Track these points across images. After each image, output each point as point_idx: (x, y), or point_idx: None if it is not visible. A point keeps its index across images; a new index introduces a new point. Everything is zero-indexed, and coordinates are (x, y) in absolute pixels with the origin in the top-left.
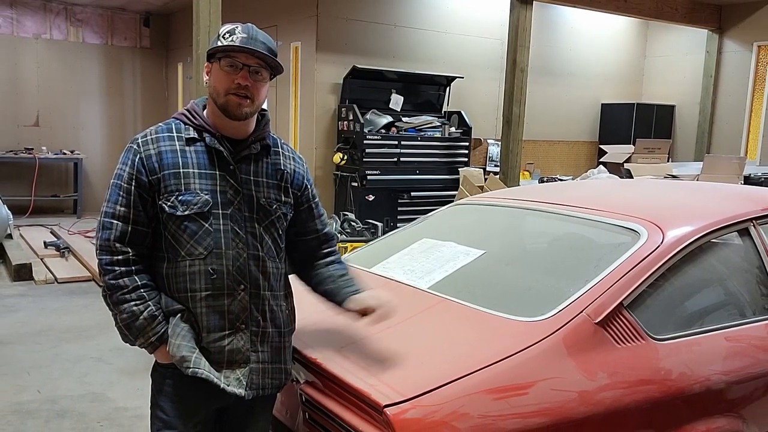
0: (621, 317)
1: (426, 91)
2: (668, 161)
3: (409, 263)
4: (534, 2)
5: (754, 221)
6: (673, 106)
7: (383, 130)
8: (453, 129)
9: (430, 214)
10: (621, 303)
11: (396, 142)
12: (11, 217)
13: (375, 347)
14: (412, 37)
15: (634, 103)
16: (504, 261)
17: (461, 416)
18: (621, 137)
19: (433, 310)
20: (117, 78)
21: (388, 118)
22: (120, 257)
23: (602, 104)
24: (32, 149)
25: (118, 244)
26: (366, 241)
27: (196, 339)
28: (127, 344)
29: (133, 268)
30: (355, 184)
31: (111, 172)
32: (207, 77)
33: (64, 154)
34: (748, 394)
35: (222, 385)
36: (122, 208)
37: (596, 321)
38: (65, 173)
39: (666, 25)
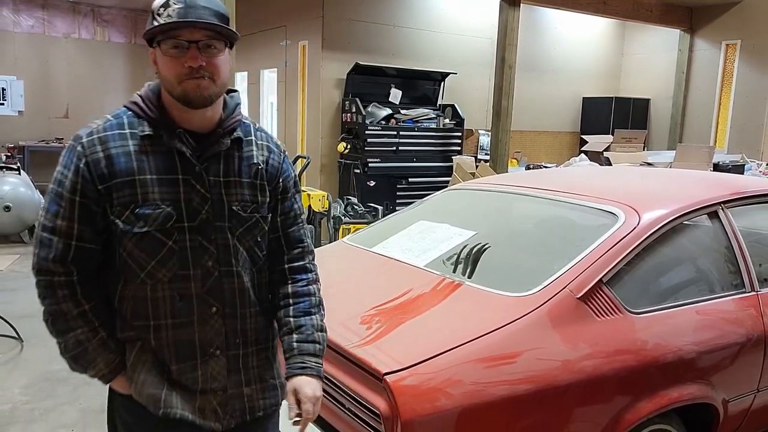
0: (601, 292)
1: (422, 85)
2: (644, 150)
3: (407, 243)
4: (521, 4)
5: (722, 205)
6: (648, 100)
7: (383, 122)
8: (447, 120)
9: (426, 198)
10: (601, 279)
11: (395, 133)
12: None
13: (375, 320)
14: (410, 36)
15: (612, 97)
16: (494, 241)
17: (455, 383)
18: (601, 128)
19: (428, 285)
20: (140, 74)
21: (388, 111)
22: (61, 279)
23: (583, 98)
24: (62, 139)
25: (58, 265)
26: (367, 223)
27: (162, 370)
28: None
29: (78, 289)
30: (358, 171)
31: None
32: (154, 67)
33: None
34: (717, 362)
35: (198, 422)
36: (63, 222)
37: (578, 296)
38: None
39: (641, 26)
